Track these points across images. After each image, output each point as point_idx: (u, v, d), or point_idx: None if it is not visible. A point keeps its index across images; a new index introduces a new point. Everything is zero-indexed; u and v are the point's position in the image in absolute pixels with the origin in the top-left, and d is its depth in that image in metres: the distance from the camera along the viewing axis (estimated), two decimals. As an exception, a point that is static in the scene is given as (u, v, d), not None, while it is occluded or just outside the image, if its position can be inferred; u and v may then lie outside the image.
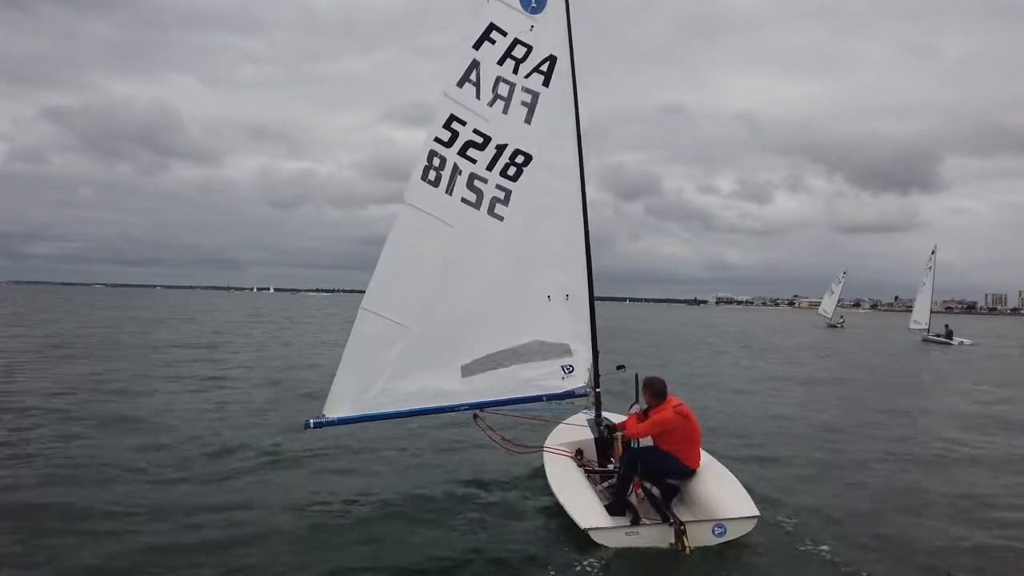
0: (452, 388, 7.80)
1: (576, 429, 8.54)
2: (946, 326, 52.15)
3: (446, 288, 7.73)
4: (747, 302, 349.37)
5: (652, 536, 6.60)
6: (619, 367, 8.59)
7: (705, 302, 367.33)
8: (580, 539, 6.49)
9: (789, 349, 38.68)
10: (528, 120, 7.81)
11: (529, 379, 8.01)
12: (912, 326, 55.43)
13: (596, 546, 6.38)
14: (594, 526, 6.45)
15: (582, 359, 8.18)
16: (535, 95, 7.82)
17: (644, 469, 7.34)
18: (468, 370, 7.83)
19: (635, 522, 6.91)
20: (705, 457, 7.59)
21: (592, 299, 8.16)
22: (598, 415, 8.31)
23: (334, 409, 7.59)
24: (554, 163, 7.92)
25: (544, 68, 7.83)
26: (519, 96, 7.76)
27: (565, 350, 8.09)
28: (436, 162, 7.63)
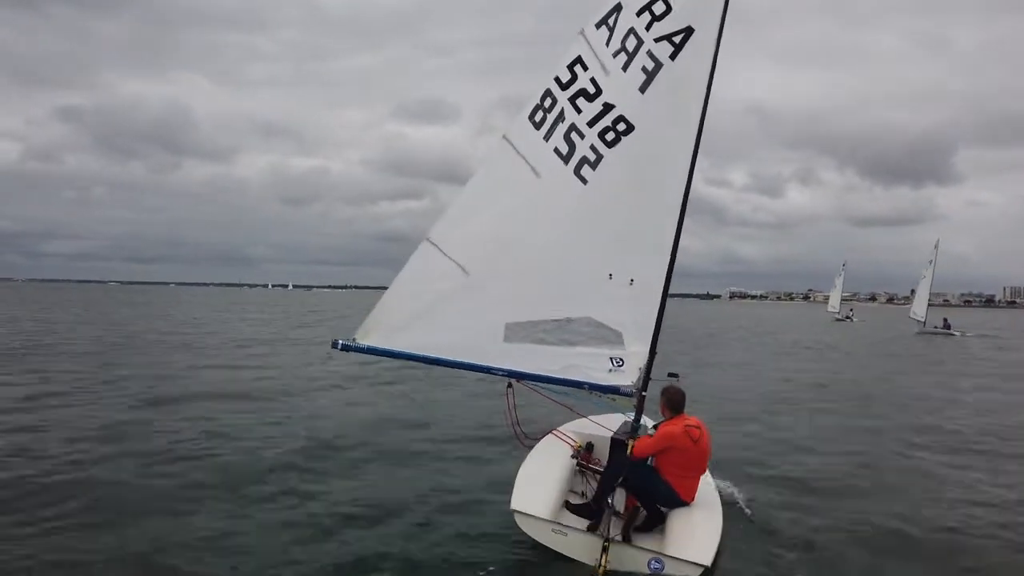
0: (493, 348, 7.24)
1: (601, 424, 7.89)
2: (945, 319, 54.10)
3: (514, 241, 7.21)
4: (761, 296, 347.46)
5: (579, 545, 6.05)
6: (671, 374, 7.69)
7: (718, 297, 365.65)
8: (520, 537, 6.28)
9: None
10: (643, 89, 7.11)
11: (573, 363, 7.37)
12: (911, 316, 56.51)
13: (522, 541, 6.16)
14: (521, 510, 5.95)
15: (634, 355, 7.42)
16: (658, 64, 7.10)
17: (631, 483, 6.69)
18: (512, 335, 7.29)
19: (592, 527, 6.44)
20: (706, 487, 6.91)
21: (666, 294, 7.39)
22: (637, 420, 7.45)
23: (369, 335, 7.15)
24: (657, 143, 7.20)
25: (677, 39, 7.05)
26: (641, 59, 7.09)
27: (617, 339, 7.40)
28: (548, 103, 7.09)
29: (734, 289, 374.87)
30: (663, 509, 6.74)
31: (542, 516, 6.11)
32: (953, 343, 44.29)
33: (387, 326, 7.16)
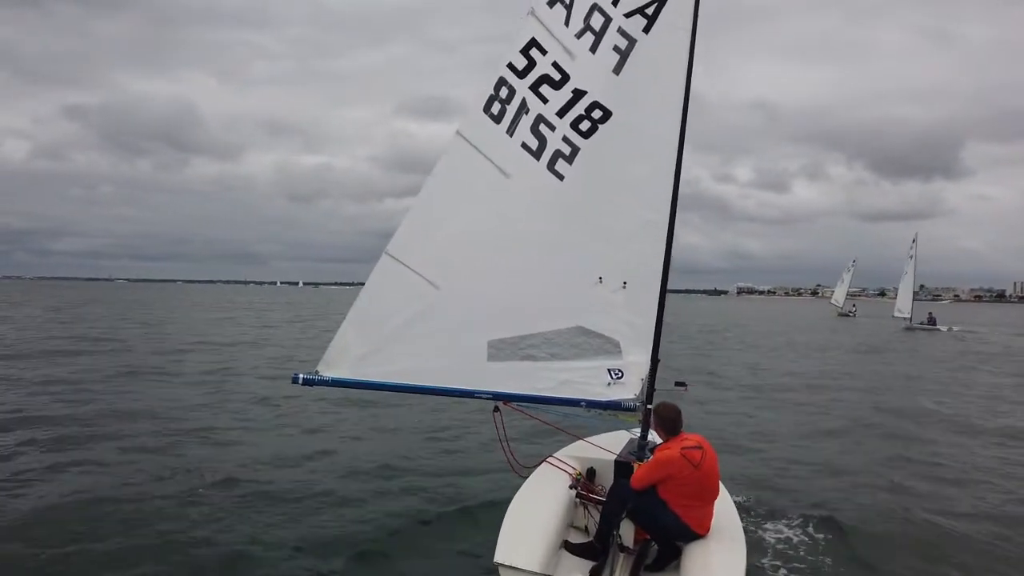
0: (475, 369, 6.54)
1: (603, 446, 7.11)
2: (930, 314, 54.30)
3: (487, 247, 6.54)
4: (769, 292, 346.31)
5: None
6: (678, 383, 7.12)
7: (726, 292, 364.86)
8: None
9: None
10: (617, 70, 6.43)
11: (567, 379, 6.67)
12: (896, 314, 56.29)
13: None
14: (506, 563, 5.03)
15: (634, 365, 6.72)
16: (631, 41, 6.42)
17: (636, 515, 5.88)
18: (496, 353, 6.59)
19: (595, 572, 5.59)
20: (725, 513, 6.06)
21: (663, 296, 6.71)
22: (644, 436, 6.81)
23: (331, 367, 6.43)
24: (638, 126, 6.54)
25: (649, 11, 6.41)
26: (612, 38, 6.40)
27: (614, 349, 6.72)
28: (504, 92, 6.36)
29: (741, 285, 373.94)
30: (678, 543, 5.83)
31: (532, 569, 5.09)
32: (935, 337, 45.08)
33: (353, 355, 6.44)
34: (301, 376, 6.37)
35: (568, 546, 6.02)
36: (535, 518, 5.72)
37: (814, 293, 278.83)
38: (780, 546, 7.57)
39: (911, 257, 55.95)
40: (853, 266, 72.97)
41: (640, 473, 5.83)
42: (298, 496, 8.88)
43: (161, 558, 7.00)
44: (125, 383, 17.74)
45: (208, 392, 16.85)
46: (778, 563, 7.15)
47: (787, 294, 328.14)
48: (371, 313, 6.45)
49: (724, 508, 6.12)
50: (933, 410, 16.86)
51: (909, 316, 53.97)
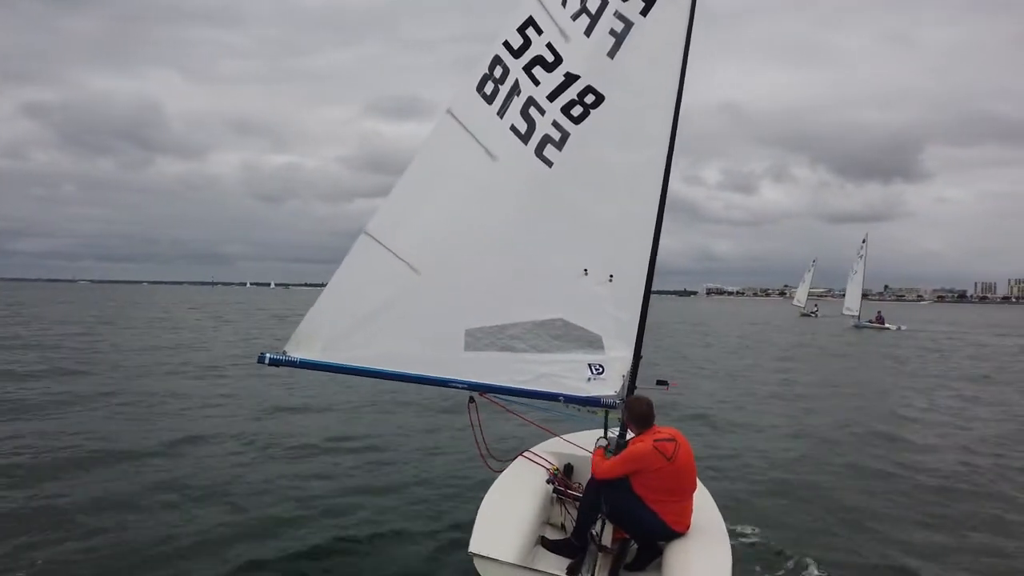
0: (451, 358, 6.32)
1: (581, 442, 6.92)
2: (878, 312, 55.28)
3: (471, 233, 6.30)
4: (738, 293, 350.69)
5: None
6: (660, 382, 6.94)
7: (695, 293, 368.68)
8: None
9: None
10: (611, 54, 6.23)
11: (546, 372, 6.46)
12: (844, 312, 57.79)
13: None
14: (482, 553, 4.88)
15: (616, 361, 6.51)
16: (628, 24, 6.22)
17: (612, 512, 5.63)
18: (473, 342, 6.37)
19: (573, 569, 5.36)
20: (706, 509, 5.87)
21: (648, 290, 6.49)
22: (623, 435, 6.53)
23: (300, 348, 6.19)
24: (631, 113, 6.34)
25: None
26: (608, 21, 6.20)
27: (596, 343, 6.49)
28: (498, 72, 6.12)
29: (711, 286, 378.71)
30: (659, 543, 5.65)
31: (508, 560, 4.92)
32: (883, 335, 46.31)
33: (324, 336, 6.22)
34: (268, 356, 6.20)
35: (545, 543, 5.84)
36: (511, 510, 5.52)
37: (782, 294, 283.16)
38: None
39: (861, 257, 57.37)
40: (814, 266, 74.24)
41: (608, 464, 5.60)
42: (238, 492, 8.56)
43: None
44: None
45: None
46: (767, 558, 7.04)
47: (755, 295, 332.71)
48: (346, 294, 6.24)
49: (704, 504, 5.96)
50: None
51: (857, 314, 55.13)
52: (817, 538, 7.72)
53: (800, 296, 77.34)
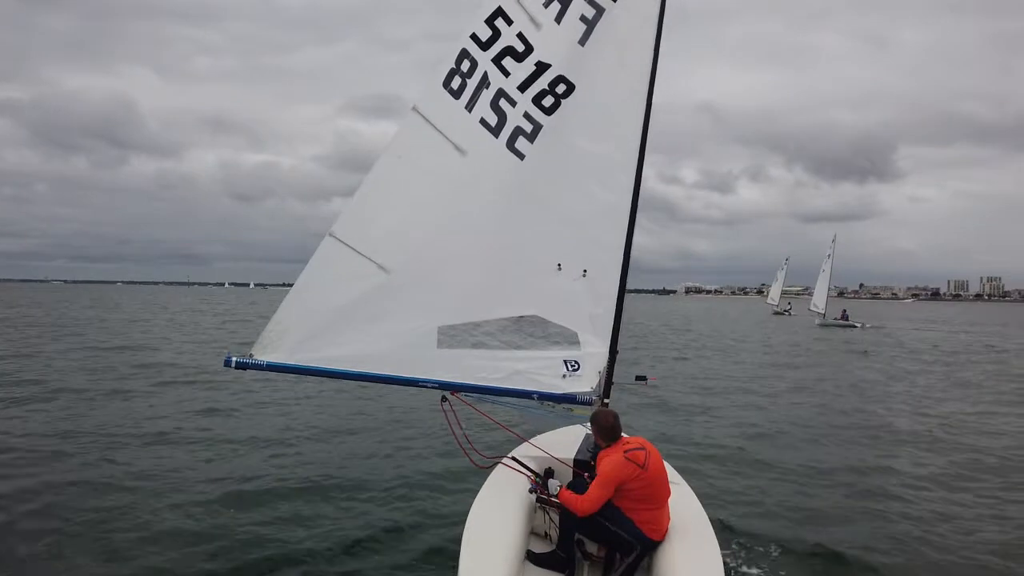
0: (424, 357, 6.20)
1: (560, 444, 6.83)
2: (844, 311, 56.40)
3: (441, 229, 6.16)
4: (716, 291, 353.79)
5: None
6: (639, 378, 6.89)
7: (674, 292, 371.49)
8: None
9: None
10: (583, 40, 6.09)
11: (520, 369, 6.35)
12: (811, 309, 59.12)
13: None
14: None
15: (592, 356, 6.43)
16: (599, 10, 6.09)
17: (590, 528, 5.53)
18: (445, 339, 6.25)
19: None
20: (690, 508, 5.78)
21: (623, 284, 6.42)
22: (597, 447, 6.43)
23: (266, 351, 6.02)
24: (603, 102, 6.22)
25: None
26: (579, 6, 6.05)
27: (571, 339, 6.41)
28: (466, 66, 5.95)
29: (689, 284, 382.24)
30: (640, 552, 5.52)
31: None
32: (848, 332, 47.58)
33: (291, 338, 6.04)
34: (234, 359, 5.98)
35: (532, 557, 5.68)
36: (497, 531, 5.31)
37: (759, 292, 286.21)
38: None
39: (829, 256, 58.40)
40: (787, 264, 74.79)
41: (589, 497, 5.38)
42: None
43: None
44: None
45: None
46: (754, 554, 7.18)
47: (733, 293, 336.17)
48: (312, 296, 6.06)
49: (690, 506, 5.88)
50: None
51: (823, 312, 56.03)
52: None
53: (773, 295, 77.95)
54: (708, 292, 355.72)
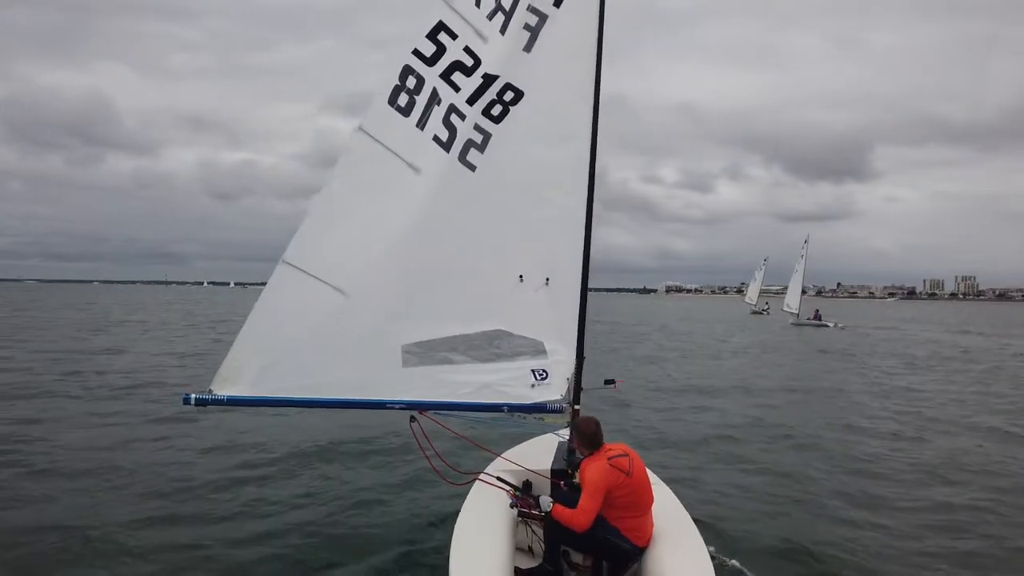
0: (387, 379, 6.09)
1: (535, 454, 6.76)
2: (816, 310, 57.37)
3: (398, 249, 6.06)
4: (696, 290, 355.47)
5: None
6: (608, 381, 6.87)
7: (655, 291, 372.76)
8: None
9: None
10: (528, 47, 6.11)
11: (488, 382, 6.29)
12: (784, 308, 59.63)
13: None
14: None
15: (559, 364, 6.41)
16: (542, 17, 6.11)
17: (574, 536, 5.42)
18: (410, 358, 6.16)
19: None
20: (676, 516, 5.74)
21: (585, 288, 6.41)
22: (573, 440, 6.44)
23: (226, 385, 5.82)
24: (551, 107, 6.24)
25: None
26: (522, 15, 6.05)
27: (537, 349, 6.36)
28: (411, 82, 5.85)
29: (670, 283, 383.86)
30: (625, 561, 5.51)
31: None
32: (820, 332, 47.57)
33: (251, 370, 5.88)
34: (193, 396, 5.74)
35: (519, 574, 5.59)
36: (486, 552, 5.21)
37: (739, 291, 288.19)
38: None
39: (802, 256, 58.99)
40: (765, 264, 75.07)
41: (586, 507, 5.26)
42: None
43: None
44: None
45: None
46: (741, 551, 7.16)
47: (714, 292, 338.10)
48: (270, 324, 5.91)
49: (674, 510, 5.87)
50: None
51: (797, 312, 56.64)
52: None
53: (751, 294, 78.09)
54: (689, 291, 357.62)
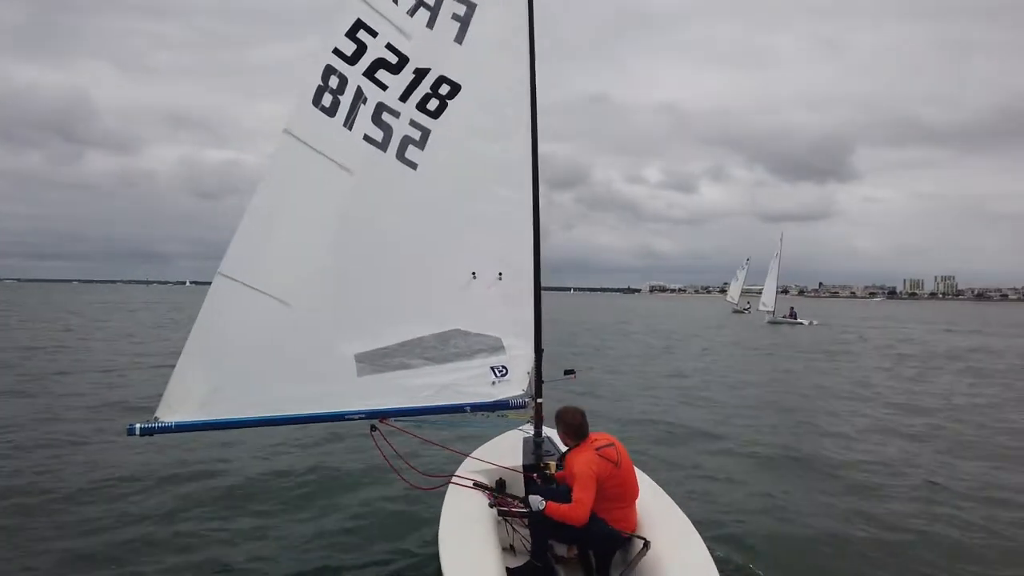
0: (343, 389, 5.93)
1: (503, 452, 6.67)
2: (791, 308, 58.83)
3: (338, 254, 5.92)
4: (680, 290, 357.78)
5: None
6: (568, 372, 6.92)
7: (639, 291, 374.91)
8: None
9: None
10: (459, 39, 6.01)
11: (447, 383, 6.19)
12: (760, 307, 60.82)
13: None
14: None
15: (518, 359, 6.36)
16: (471, 6, 6.02)
17: (561, 530, 5.35)
18: (365, 367, 6.00)
19: None
20: (669, 510, 5.65)
21: (538, 280, 6.37)
22: (538, 434, 6.51)
23: (173, 411, 5.58)
24: (491, 98, 6.17)
25: None
26: (449, 7, 5.97)
27: (495, 346, 6.29)
28: (334, 82, 5.75)
29: (654, 283, 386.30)
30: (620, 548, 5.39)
31: None
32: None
33: (198, 394, 5.60)
34: (138, 427, 5.45)
35: (510, 573, 5.39)
36: (476, 556, 5.03)
37: (722, 291, 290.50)
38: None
39: (777, 255, 59.60)
40: (747, 264, 75.61)
41: (581, 499, 5.14)
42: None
43: None
44: None
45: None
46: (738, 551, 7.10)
47: (697, 292, 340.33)
48: (213, 343, 5.64)
49: (665, 505, 5.75)
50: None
51: (772, 310, 57.31)
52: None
53: (733, 293, 78.80)
54: (673, 291, 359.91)
